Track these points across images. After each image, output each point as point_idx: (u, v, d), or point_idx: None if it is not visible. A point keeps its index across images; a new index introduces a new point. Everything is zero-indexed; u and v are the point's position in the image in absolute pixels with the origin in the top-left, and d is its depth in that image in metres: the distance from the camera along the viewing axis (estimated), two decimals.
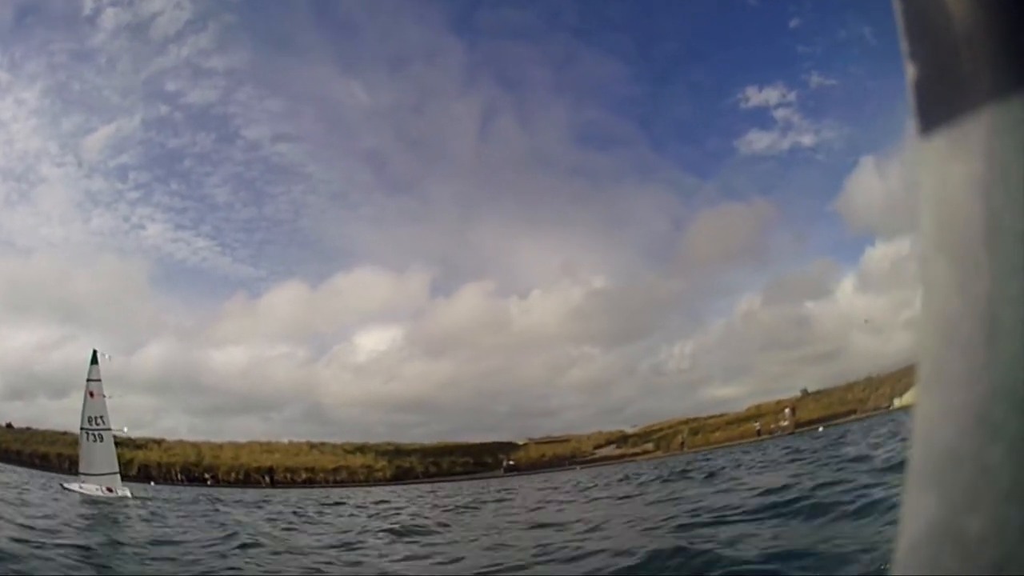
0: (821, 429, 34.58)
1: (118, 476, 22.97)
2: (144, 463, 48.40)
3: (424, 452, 49.30)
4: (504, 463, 47.73)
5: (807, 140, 50.68)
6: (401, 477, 47.67)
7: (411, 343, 56.20)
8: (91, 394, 24.48)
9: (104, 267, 56.12)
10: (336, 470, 48.60)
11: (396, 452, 49.40)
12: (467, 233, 65.49)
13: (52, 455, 48.72)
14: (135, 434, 49.34)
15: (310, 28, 55.69)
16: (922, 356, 0.47)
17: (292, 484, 46.89)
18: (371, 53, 56.89)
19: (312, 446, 50.46)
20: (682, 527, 6.71)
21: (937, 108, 0.47)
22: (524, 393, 57.51)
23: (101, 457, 23.35)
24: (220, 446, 50.46)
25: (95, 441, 23.79)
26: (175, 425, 56.24)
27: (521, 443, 49.39)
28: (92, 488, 21.38)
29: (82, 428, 24.04)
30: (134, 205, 54.03)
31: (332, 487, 45.09)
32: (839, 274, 51.80)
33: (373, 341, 62.30)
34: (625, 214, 61.62)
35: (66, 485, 22.20)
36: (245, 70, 55.66)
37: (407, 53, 59.21)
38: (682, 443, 46.09)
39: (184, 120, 53.26)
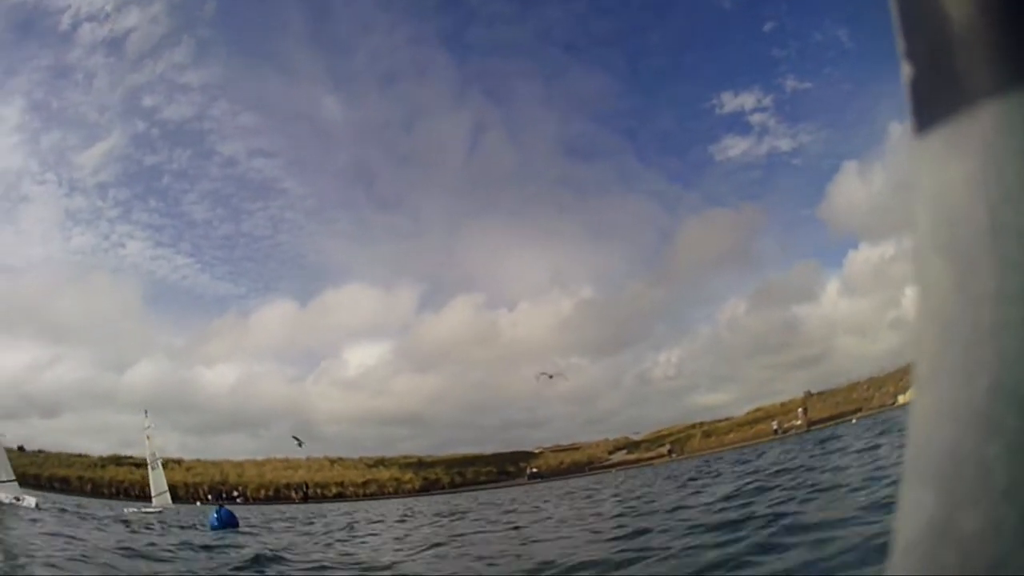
0: (855, 421, 35.03)
1: (16, 483, 22.72)
2: (170, 482, 48.56)
3: (448, 463, 51.32)
4: (528, 471, 50.16)
5: (785, 145, 51.11)
6: (428, 488, 49.54)
7: (399, 357, 57.84)
8: None
9: (89, 286, 56.41)
10: (365, 484, 50.04)
11: (420, 464, 51.26)
12: (454, 247, 67.57)
13: (72, 478, 48.50)
14: (135, 453, 49.68)
15: (293, 43, 56.99)
16: (919, 354, 0.47)
17: (324, 499, 48.08)
18: (357, 68, 58.68)
19: (332, 461, 51.70)
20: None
21: (933, 106, 0.47)
22: (512, 405, 59.76)
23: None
24: (242, 464, 51.22)
25: None
26: (164, 443, 56.35)
27: (537, 451, 51.99)
28: (2, 496, 21.37)
29: None
30: (114, 223, 54.74)
31: (363, 500, 46.67)
32: (823, 278, 52.55)
33: (361, 356, 63.66)
34: (612, 224, 64.52)
35: None
36: (221, 85, 56.89)
37: (395, 69, 61.12)
38: (670, 450, 49.19)
39: (161, 136, 53.92)
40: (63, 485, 47.61)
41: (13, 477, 23.01)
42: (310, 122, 61.80)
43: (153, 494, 33.41)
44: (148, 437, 35.26)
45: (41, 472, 47.69)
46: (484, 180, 64.42)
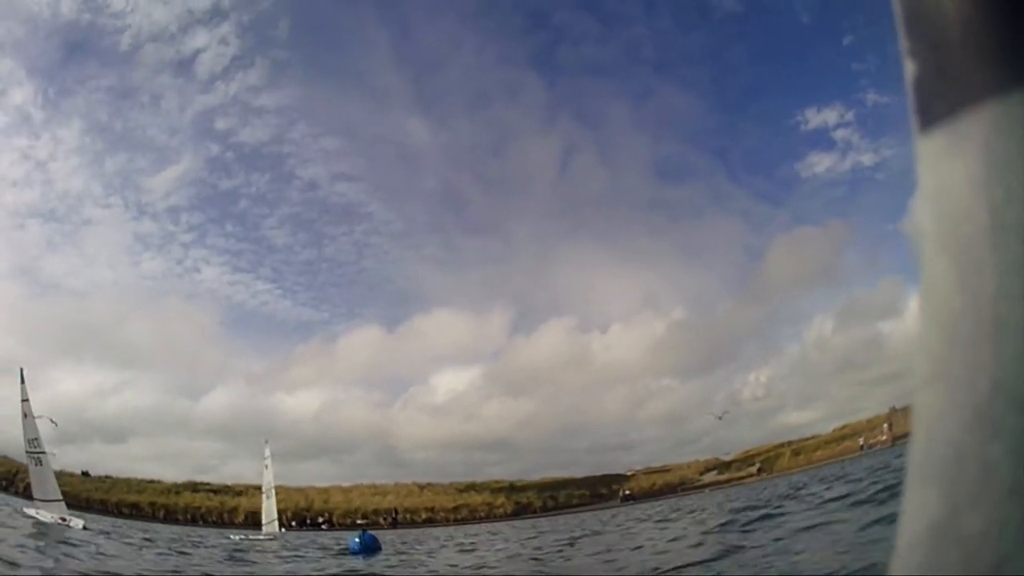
0: None
1: (63, 503, 22.04)
2: (251, 510, 45.35)
3: (540, 487, 50.33)
4: (621, 493, 49.78)
5: (868, 160, 51.50)
6: (520, 512, 48.37)
7: (490, 382, 57.11)
8: (24, 415, 23.29)
9: (161, 311, 53.67)
10: (456, 509, 48.28)
11: (511, 489, 50.06)
12: (546, 270, 67.24)
13: (144, 504, 44.61)
14: (212, 479, 47.06)
15: (375, 64, 56.87)
16: (923, 353, 0.47)
17: (413, 524, 46.01)
18: (443, 90, 59.14)
19: (421, 487, 49.81)
20: None
21: (936, 105, 0.47)
22: (604, 429, 59.03)
23: (45, 483, 22.42)
24: (327, 490, 48.63)
25: (37, 465, 22.74)
26: (242, 470, 52.82)
27: (630, 474, 51.84)
28: (47, 516, 20.76)
29: (27, 452, 23.06)
30: (187, 248, 52.85)
31: (453, 525, 44.89)
32: (907, 294, 51.85)
33: (450, 382, 62.55)
34: (703, 245, 65.97)
35: (25, 510, 21.84)
36: (299, 107, 56.55)
37: (483, 90, 61.24)
38: (760, 469, 50.47)
39: (236, 160, 52.94)
40: (133, 511, 43.61)
41: (60, 497, 22.41)
42: (395, 145, 61.10)
43: (264, 521, 32.62)
44: (267, 467, 34.26)
45: (108, 498, 43.83)
46: (575, 202, 64.79)
